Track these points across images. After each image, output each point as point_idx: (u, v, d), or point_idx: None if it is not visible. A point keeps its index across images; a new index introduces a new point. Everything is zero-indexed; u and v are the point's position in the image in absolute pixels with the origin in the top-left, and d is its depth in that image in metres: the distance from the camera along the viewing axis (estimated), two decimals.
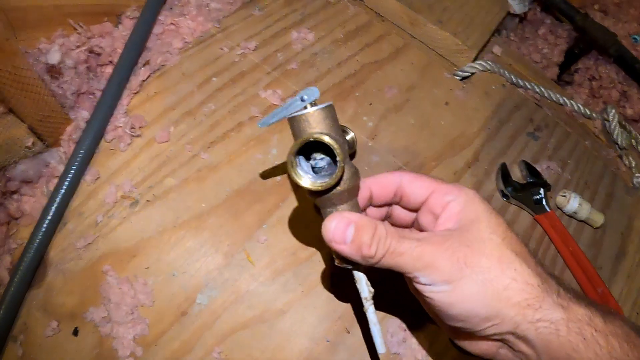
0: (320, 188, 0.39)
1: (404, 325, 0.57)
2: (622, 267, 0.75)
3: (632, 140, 0.90)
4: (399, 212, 0.47)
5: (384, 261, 0.39)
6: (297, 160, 0.40)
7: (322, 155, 0.41)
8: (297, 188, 0.60)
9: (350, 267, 0.43)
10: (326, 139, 0.37)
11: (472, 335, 0.40)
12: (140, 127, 0.59)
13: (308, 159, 0.41)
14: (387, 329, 0.56)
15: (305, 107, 0.39)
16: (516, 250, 0.39)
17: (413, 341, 0.56)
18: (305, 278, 0.57)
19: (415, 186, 0.44)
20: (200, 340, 0.53)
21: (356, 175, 0.41)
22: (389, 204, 0.47)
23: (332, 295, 0.56)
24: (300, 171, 0.40)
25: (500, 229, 0.40)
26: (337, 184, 0.40)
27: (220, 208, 0.58)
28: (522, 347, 0.39)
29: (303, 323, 0.55)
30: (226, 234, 0.57)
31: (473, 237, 0.39)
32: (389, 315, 0.57)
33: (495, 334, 0.39)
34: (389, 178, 0.45)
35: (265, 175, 0.61)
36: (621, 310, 0.68)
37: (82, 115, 0.59)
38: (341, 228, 0.39)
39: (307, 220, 0.59)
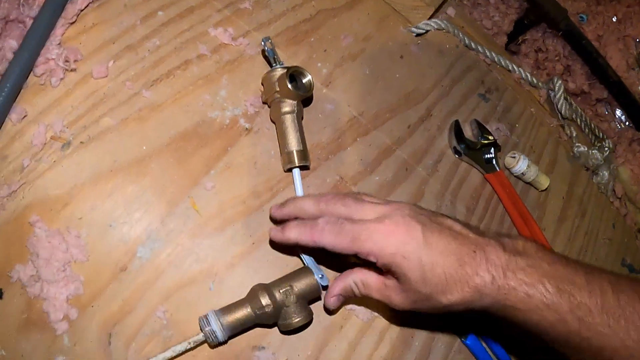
0: None
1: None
2: (564, 230, 0.77)
3: (573, 114, 0.92)
4: None
5: None
6: None
7: None
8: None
9: None
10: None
11: None
12: (75, 61, 0.53)
13: None
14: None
15: None
16: None
17: None
18: (257, 229, 0.53)
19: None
20: (143, 299, 0.48)
21: None
22: None
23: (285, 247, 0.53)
24: None
25: None
26: None
27: (163, 152, 0.53)
28: None
29: (255, 278, 0.51)
30: (170, 180, 0.52)
31: None
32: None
33: None
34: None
35: None
36: None
37: (10, 45, 0.51)
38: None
39: (258, 165, 0.56)
